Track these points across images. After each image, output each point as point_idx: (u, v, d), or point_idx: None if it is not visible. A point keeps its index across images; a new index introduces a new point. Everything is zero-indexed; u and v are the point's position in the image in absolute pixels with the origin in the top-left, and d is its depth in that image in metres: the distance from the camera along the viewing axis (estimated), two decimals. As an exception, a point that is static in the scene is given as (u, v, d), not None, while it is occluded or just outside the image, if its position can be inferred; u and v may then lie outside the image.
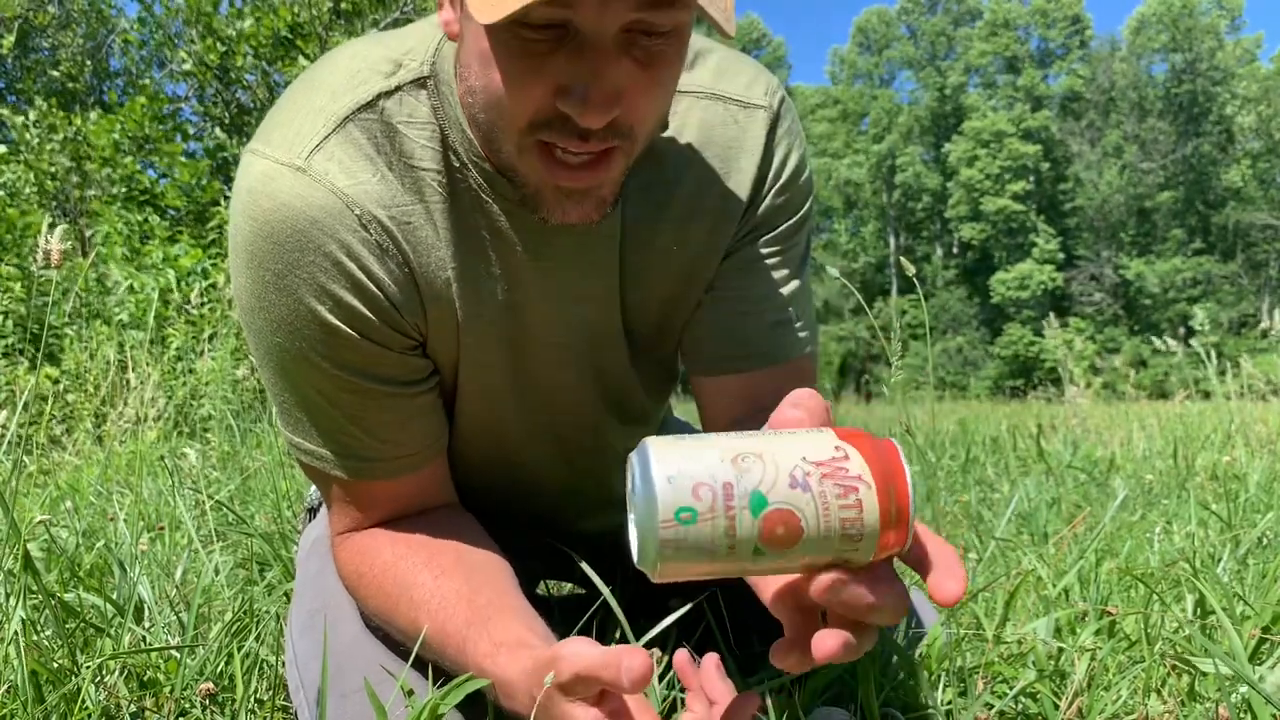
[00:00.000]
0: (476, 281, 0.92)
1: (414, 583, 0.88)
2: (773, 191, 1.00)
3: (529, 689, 0.74)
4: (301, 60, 7.52)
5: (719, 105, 0.98)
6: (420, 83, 0.88)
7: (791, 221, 1.02)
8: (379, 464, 0.93)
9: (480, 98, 0.80)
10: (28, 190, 6.66)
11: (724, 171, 0.98)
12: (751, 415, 1.02)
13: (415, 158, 0.88)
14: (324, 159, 0.84)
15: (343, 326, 0.86)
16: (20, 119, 7.05)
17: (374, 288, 0.87)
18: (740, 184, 0.98)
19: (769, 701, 0.94)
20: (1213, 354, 4.20)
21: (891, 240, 47.90)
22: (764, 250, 1.01)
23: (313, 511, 1.29)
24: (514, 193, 0.88)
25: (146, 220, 6.19)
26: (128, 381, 3.73)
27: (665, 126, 0.96)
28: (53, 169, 6.83)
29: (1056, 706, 1.03)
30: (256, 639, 1.21)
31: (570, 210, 0.83)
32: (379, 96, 0.87)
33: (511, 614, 0.85)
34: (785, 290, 1.02)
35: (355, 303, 0.86)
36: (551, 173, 0.80)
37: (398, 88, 0.88)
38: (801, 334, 1.03)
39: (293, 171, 0.84)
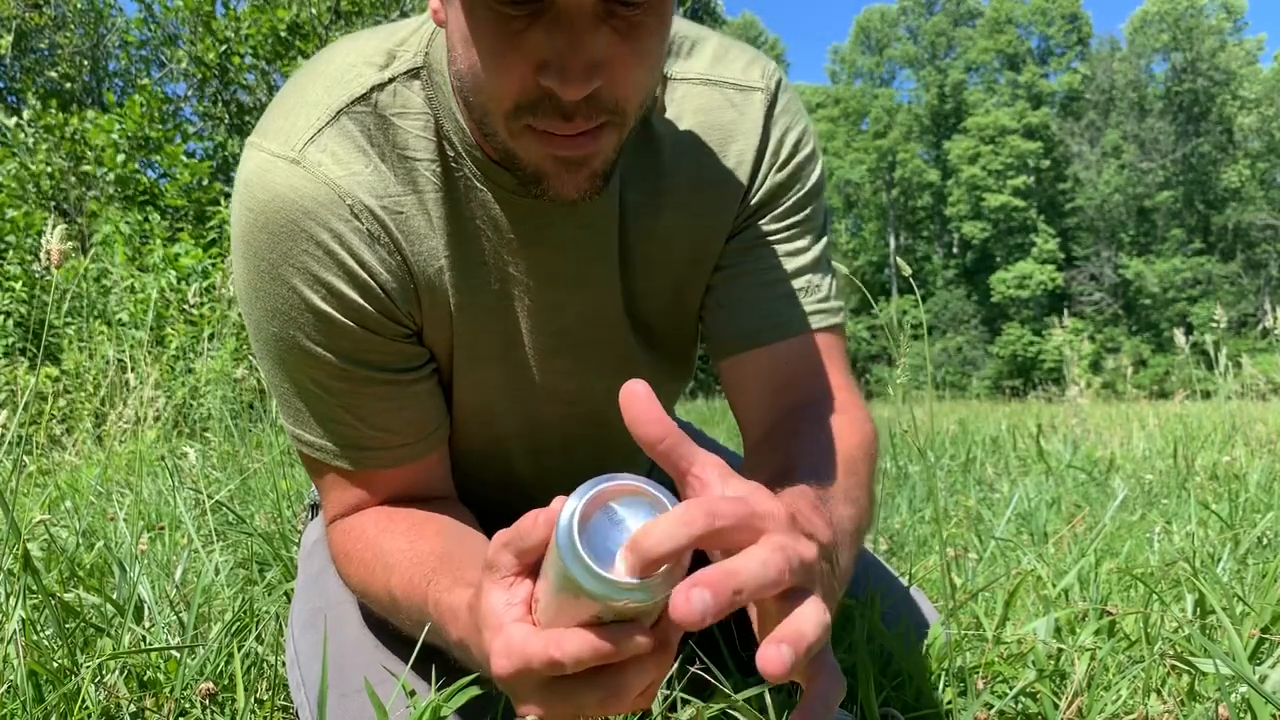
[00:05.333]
0: (469, 270, 0.92)
1: (390, 548, 0.88)
2: (773, 170, 0.99)
3: (470, 604, 0.67)
4: (300, 60, 7.52)
5: (716, 90, 0.98)
6: (414, 73, 0.89)
7: (799, 196, 1.01)
8: (377, 453, 0.94)
9: (468, 80, 0.79)
10: (25, 189, 6.66)
11: (722, 155, 0.98)
12: (782, 405, 0.98)
13: (409, 148, 0.89)
14: (318, 151, 0.86)
15: (335, 314, 0.87)
16: (15, 120, 7.04)
17: (366, 275, 0.88)
18: (738, 166, 0.98)
19: (769, 701, 0.94)
20: (1223, 349, 4.21)
21: (891, 240, 47.87)
22: (773, 226, 1.00)
23: (315, 508, 1.29)
24: (511, 180, 0.88)
25: (146, 220, 6.18)
26: (127, 381, 3.72)
27: (661, 109, 0.96)
28: (49, 169, 6.82)
29: (1056, 706, 1.03)
30: (256, 639, 1.21)
31: (568, 183, 0.81)
32: (372, 89, 0.88)
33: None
34: (800, 261, 1.00)
35: (348, 290, 0.87)
36: (548, 144, 0.79)
37: (391, 79, 0.89)
38: (821, 304, 1.00)
39: (287, 163, 0.85)
